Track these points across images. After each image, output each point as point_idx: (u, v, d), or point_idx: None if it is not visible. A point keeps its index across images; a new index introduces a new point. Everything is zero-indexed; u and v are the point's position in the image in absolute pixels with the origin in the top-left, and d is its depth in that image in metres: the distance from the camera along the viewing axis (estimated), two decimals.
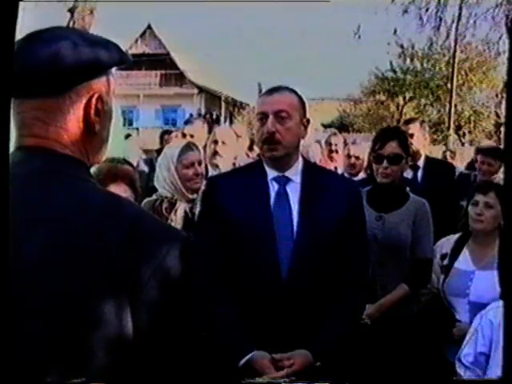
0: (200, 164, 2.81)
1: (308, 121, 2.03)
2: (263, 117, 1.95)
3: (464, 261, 2.57)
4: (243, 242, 1.93)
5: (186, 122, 4.44)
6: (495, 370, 1.84)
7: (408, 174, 4.34)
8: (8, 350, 0.83)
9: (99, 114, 1.00)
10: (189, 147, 2.84)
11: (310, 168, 2.07)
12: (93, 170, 1.18)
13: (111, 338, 0.87)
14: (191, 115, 21.27)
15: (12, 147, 0.96)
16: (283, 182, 1.99)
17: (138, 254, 0.90)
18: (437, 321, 2.54)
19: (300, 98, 2.02)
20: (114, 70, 1.03)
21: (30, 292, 0.87)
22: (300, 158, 2.04)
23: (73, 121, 0.98)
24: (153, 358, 0.91)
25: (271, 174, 2.00)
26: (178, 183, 2.73)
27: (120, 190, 2.02)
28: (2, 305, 0.83)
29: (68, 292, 0.87)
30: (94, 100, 0.98)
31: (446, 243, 2.69)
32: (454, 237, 2.68)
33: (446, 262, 2.62)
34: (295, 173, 2.01)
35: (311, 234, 1.92)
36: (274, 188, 1.99)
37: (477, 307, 2.35)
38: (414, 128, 4.10)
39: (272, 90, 2.01)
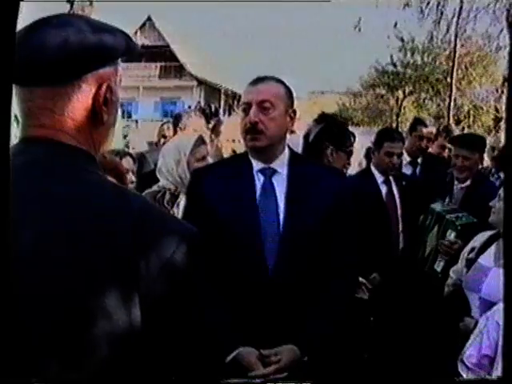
0: (207, 157, 2.78)
1: (294, 112, 2.00)
2: (247, 107, 1.93)
3: (487, 257, 2.50)
4: (228, 234, 1.90)
5: (177, 117, 4.36)
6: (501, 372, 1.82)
7: (407, 170, 4.35)
8: (10, 343, 0.82)
9: (107, 103, 0.98)
10: (201, 140, 2.78)
11: (297, 159, 2.04)
12: None
13: (119, 332, 0.86)
14: (189, 107, 21.20)
15: (15, 136, 0.95)
16: (269, 173, 1.97)
17: (145, 247, 0.88)
18: (452, 313, 2.52)
19: (287, 88, 1.99)
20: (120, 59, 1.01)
21: (33, 285, 0.85)
22: (286, 149, 2.01)
23: (81, 110, 0.95)
24: (161, 353, 0.90)
25: (257, 165, 1.98)
26: (187, 176, 2.64)
27: None
28: (5, 298, 0.82)
29: (73, 284, 0.85)
30: (103, 89, 0.96)
31: (480, 238, 2.63)
32: (489, 233, 2.61)
33: (472, 255, 2.57)
34: (281, 164, 1.98)
35: (297, 227, 1.89)
36: (259, 180, 1.96)
37: (485, 304, 2.31)
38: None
39: (257, 80, 1.97)
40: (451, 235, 3.11)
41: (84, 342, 0.84)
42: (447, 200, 3.46)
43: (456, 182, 3.53)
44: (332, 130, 2.84)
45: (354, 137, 3.01)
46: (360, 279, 2.94)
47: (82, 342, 0.84)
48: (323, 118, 2.99)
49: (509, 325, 0.92)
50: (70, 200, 0.90)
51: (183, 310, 0.92)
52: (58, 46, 0.91)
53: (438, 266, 3.17)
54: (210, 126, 4.50)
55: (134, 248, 0.87)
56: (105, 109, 0.97)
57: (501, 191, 2.54)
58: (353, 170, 3.58)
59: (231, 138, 3.43)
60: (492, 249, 2.51)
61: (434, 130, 4.54)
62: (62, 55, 0.91)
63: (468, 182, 3.47)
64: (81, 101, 0.95)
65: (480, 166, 4.85)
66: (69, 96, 0.94)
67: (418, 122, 4.50)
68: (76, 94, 0.94)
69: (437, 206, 3.32)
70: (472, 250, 2.59)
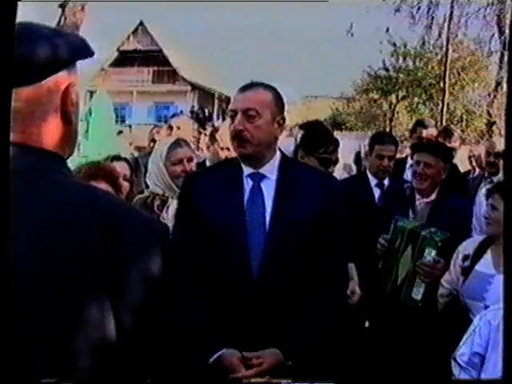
0: (190, 161, 2.78)
1: (283, 119, 2.00)
2: (233, 114, 1.95)
3: (485, 264, 2.47)
4: (216, 239, 1.92)
5: (173, 116, 4.52)
6: (491, 371, 1.82)
7: (408, 175, 4.32)
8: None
9: (73, 104, 1.00)
10: (177, 144, 2.81)
11: (287, 164, 2.05)
12: (73, 169, 1.17)
13: (95, 340, 0.86)
14: (181, 112, 21.26)
15: None
16: (258, 178, 1.98)
17: (117, 253, 0.89)
18: (453, 324, 2.47)
19: (276, 95, 1.99)
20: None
21: (17, 293, 0.84)
22: (277, 154, 2.02)
23: (50, 112, 0.97)
24: (137, 359, 0.90)
25: (246, 170, 1.99)
26: (167, 180, 2.71)
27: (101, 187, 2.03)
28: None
29: (48, 295, 0.85)
30: (70, 90, 0.99)
31: (471, 244, 2.58)
32: (479, 238, 2.58)
33: (467, 263, 2.52)
34: (271, 169, 1.99)
35: (284, 232, 1.90)
36: (248, 185, 1.98)
37: None
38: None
39: (245, 87, 1.99)
40: (431, 253, 2.70)
41: (65, 350, 0.85)
42: (411, 216, 3.02)
43: (418, 197, 3.07)
44: (306, 136, 2.87)
45: (337, 144, 2.99)
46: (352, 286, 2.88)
47: (63, 350, 0.85)
48: (305, 124, 3.05)
49: (509, 325, 0.92)
50: (46, 207, 0.90)
51: (158, 312, 0.92)
52: (28, 51, 0.92)
53: (417, 294, 2.76)
54: (207, 131, 4.55)
55: (105, 255, 0.88)
56: (73, 109, 1.00)
57: (491, 200, 2.48)
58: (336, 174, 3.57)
59: (225, 147, 3.41)
60: (488, 255, 2.47)
61: (434, 131, 4.47)
62: (33, 58, 0.93)
63: (433, 196, 3.03)
64: (50, 102, 0.97)
65: (471, 176, 4.74)
66: (39, 98, 0.95)
67: (418, 124, 4.49)
68: (46, 96, 0.96)
69: (405, 223, 2.86)
70: (466, 257, 2.52)
